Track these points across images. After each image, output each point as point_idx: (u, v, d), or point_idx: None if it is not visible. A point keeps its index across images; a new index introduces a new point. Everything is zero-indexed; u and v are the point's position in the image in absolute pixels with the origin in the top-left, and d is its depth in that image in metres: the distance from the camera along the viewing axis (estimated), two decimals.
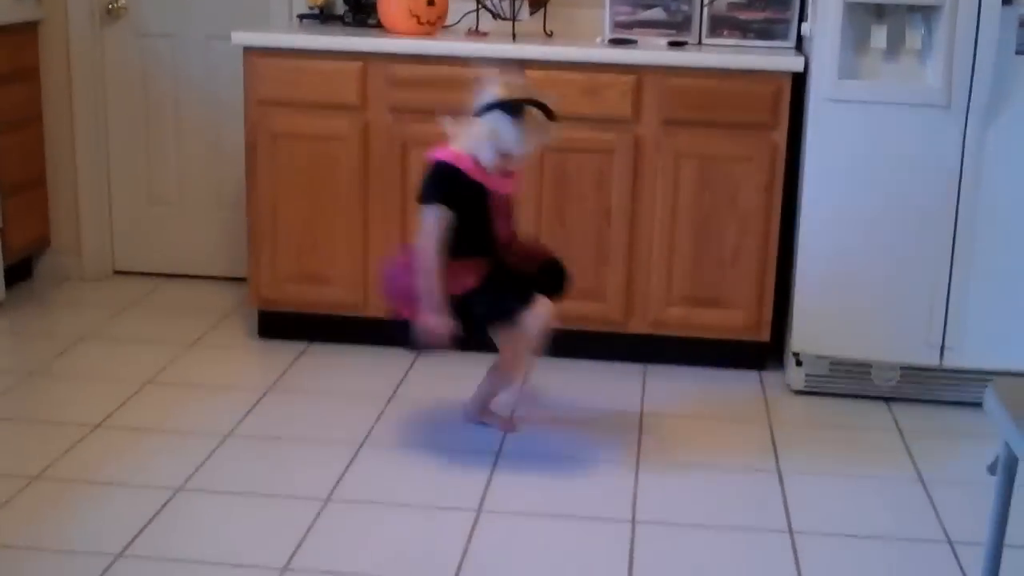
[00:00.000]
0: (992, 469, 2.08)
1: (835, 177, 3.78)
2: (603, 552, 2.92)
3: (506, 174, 3.33)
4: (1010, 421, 1.93)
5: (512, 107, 3.22)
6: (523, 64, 3.95)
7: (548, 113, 3.27)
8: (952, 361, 3.82)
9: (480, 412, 3.64)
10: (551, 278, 3.45)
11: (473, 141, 3.26)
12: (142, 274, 5.03)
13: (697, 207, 3.99)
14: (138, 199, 5.03)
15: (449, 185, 3.26)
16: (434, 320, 3.26)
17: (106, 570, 2.74)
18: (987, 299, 3.76)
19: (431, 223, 3.26)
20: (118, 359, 4.11)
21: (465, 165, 3.26)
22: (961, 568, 2.88)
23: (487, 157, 3.25)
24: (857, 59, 3.73)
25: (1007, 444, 1.98)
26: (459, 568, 2.82)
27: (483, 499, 3.16)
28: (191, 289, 4.91)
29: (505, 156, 3.25)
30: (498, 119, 3.22)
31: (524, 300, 3.30)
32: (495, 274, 3.33)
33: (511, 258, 3.38)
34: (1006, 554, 2.23)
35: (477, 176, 3.26)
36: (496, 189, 3.31)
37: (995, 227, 3.71)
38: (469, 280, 3.29)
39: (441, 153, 3.31)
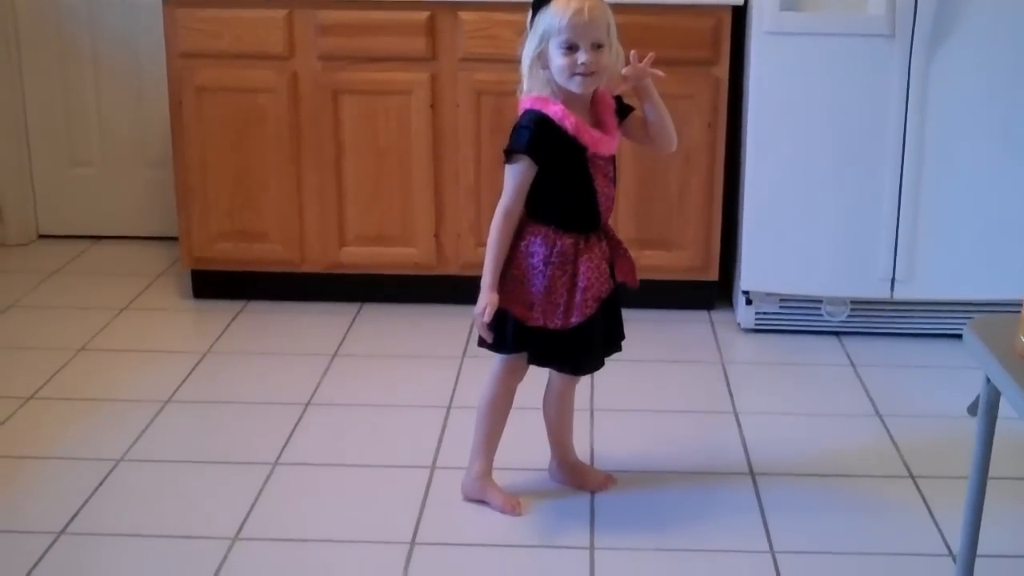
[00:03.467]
0: (972, 410, 2.03)
1: (779, 112, 3.71)
2: (562, 498, 2.87)
3: (601, 124, 2.65)
4: (992, 357, 1.88)
5: None
6: (456, 6, 3.84)
7: None
8: (902, 293, 3.79)
9: (565, 468, 2.95)
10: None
11: (537, 78, 2.61)
12: (68, 237, 4.87)
13: (639, 148, 3.90)
14: (59, 160, 4.86)
15: (538, 137, 2.57)
16: (484, 300, 2.65)
17: (48, 549, 2.64)
18: (936, 230, 3.73)
19: (509, 181, 2.63)
20: (48, 327, 3.97)
21: (554, 112, 2.57)
22: (926, 503, 2.86)
23: (556, 87, 2.58)
24: None
25: (989, 380, 1.93)
26: (416, 529, 2.74)
27: (435, 456, 3.08)
28: (120, 251, 4.76)
29: (578, 71, 2.53)
30: (537, 24, 2.57)
31: (599, 358, 2.81)
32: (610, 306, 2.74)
33: (614, 244, 2.77)
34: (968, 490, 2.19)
35: (570, 127, 2.56)
36: (593, 142, 2.60)
37: (942, 157, 3.68)
38: (599, 286, 2.67)
39: (529, 101, 2.63)
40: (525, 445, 3.01)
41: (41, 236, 4.92)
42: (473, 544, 2.70)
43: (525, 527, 2.76)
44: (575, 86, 2.56)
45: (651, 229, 3.98)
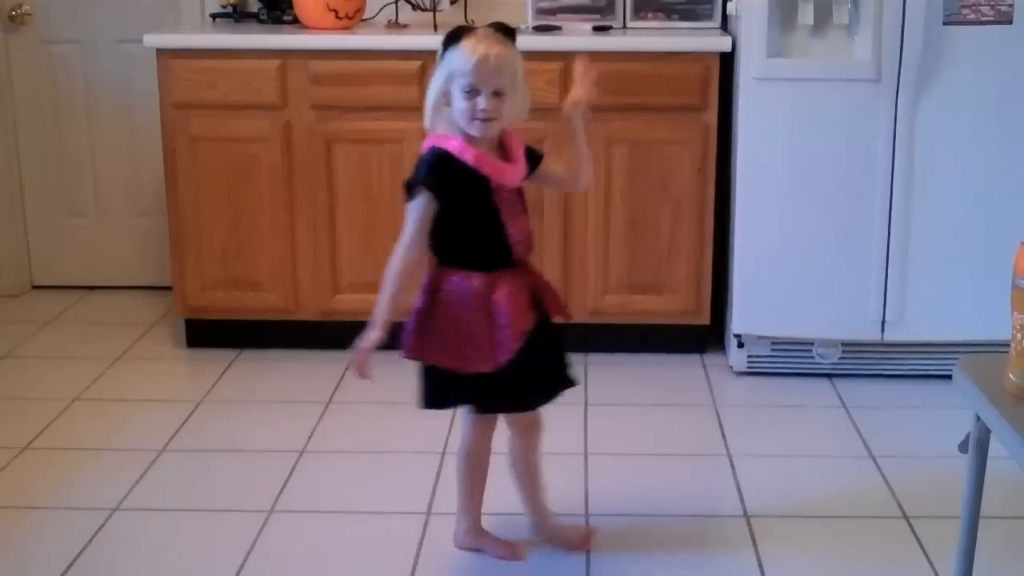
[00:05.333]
0: (963, 447, 2.05)
1: (768, 156, 3.75)
2: (560, 550, 2.86)
3: (508, 157, 2.60)
4: (981, 395, 1.89)
5: (450, 35, 2.53)
6: None
7: (510, 33, 2.57)
8: (893, 335, 3.81)
9: (543, 531, 2.89)
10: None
11: (440, 115, 2.57)
12: (62, 288, 4.88)
13: (631, 192, 3.95)
14: (54, 211, 4.88)
15: (437, 170, 2.54)
16: (369, 338, 2.58)
17: None
18: (925, 272, 3.75)
19: (409, 217, 2.56)
20: (42, 377, 3.97)
21: (456, 148, 2.53)
22: (919, 543, 2.86)
23: (458, 127, 2.54)
24: (785, 37, 3.70)
25: (979, 418, 1.94)
26: (412, 574, 2.74)
27: (431, 502, 3.09)
28: (114, 301, 4.77)
29: (477, 116, 2.49)
30: (444, 62, 2.52)
31: (542, 394, 2.74)
32: (542, 335, 2.66)
33: (534, 279, 2.69)
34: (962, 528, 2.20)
35: (471, 159, 2.52)
36: (497, 176, 2.55)
37: (929, 200, 3.71)
38: (522, 320, 2.60)
39: (432, 139, 2.59)
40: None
41: (35, 287, 4.93)
42: None
43: (521, 572, 2.76)
44: (473, 130, 2.52)
45: (643, 273, 4.00)
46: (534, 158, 2.68)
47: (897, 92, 3.63)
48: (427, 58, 3.89)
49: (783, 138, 3.72)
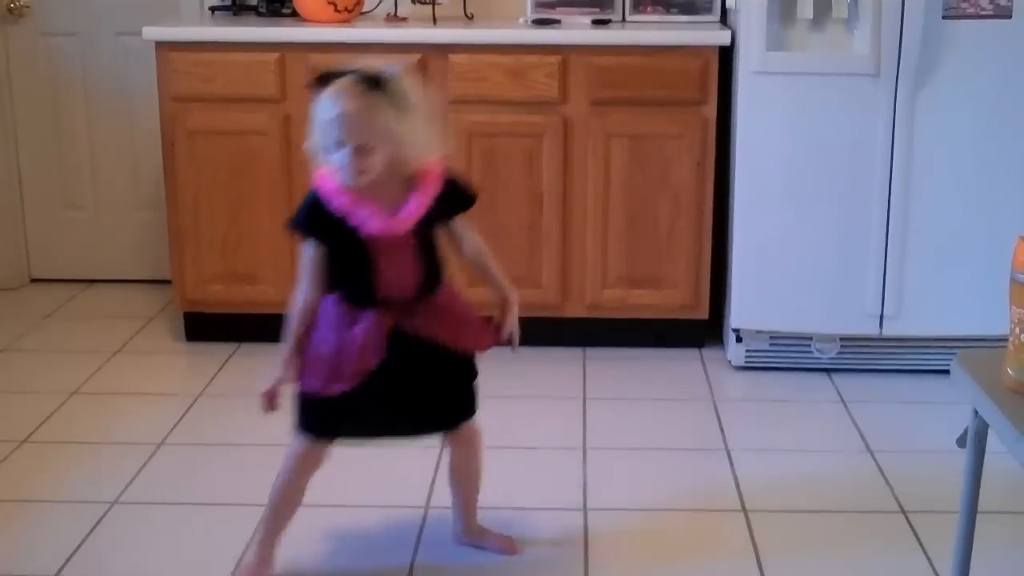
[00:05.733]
0: (961, 442, 2.05)
1: (767, 150, 3.75)
2: (557, 540, 2.87)
3: (402, 202, 2.50)
4: (979, 390, 1.90)
5: (316, 80, 2.46)
6: (446, 49, 3.88)
7: (375, 82, 2.43)
8: (891, 330, 3.82)
9: (469, 532, 2.86)
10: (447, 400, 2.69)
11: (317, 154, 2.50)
12: (61, 281, 4.88)
13: (630, 186, 3.95)
14: (52, 204, 4.88)
15: (309, 215, 2.52)
16: (272, 377, 2.58)
17: None
18: (924, 267, 3.75)
19: (303, 257, 2.56)
20: (41, 371, 3.97)
21: (329, 191, 2.48)
22: (917, 538, 2.87)
23: (332, 170, 2.46)
24: (784, 30, 3.69)
25: (977, 413, 1.95)
26: (411, 566, 2.75)
27: (429, 496, 3.09)
28: (113, 294, 4.77)
29: (346, 170, 2.42)
30: (315, 110, 2.46)
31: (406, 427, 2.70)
32: (381, 379, 2.54)
33: (421, 327, 2.57)
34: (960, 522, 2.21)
35: (342, 206, 2.47)
36: (364, 224, 2.47)
37: (928, 194, 3.71)
38: (367, 359, 2.53)
39: (318, 175, 2.54)
40: (523, 483, 3.01)
41: (34, 280, 4.93)
42: None
43: (518, 563, 2.76)
44: (346, 180, 2.44)
45: (641, 268, 4.00)
46: (455, 200, 2.58)
47: (896, 86, 3.63)
48: (427, 51, 3.89)
49: (782, 132, 3.72)
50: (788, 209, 3.77)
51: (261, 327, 4.12)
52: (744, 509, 3.02)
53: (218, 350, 4.10)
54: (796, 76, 3.68)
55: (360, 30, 3.99)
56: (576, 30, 3.95)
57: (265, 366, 3.90)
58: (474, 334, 2.66)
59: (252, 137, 3.98)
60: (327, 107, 2.41)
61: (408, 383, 2.58)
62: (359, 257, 2.50)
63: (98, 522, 2.94)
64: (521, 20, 4.14)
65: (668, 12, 4.15)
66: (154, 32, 3.96)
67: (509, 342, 2.69)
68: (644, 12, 4.17)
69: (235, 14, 4.36)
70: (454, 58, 3.89)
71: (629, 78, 3.88)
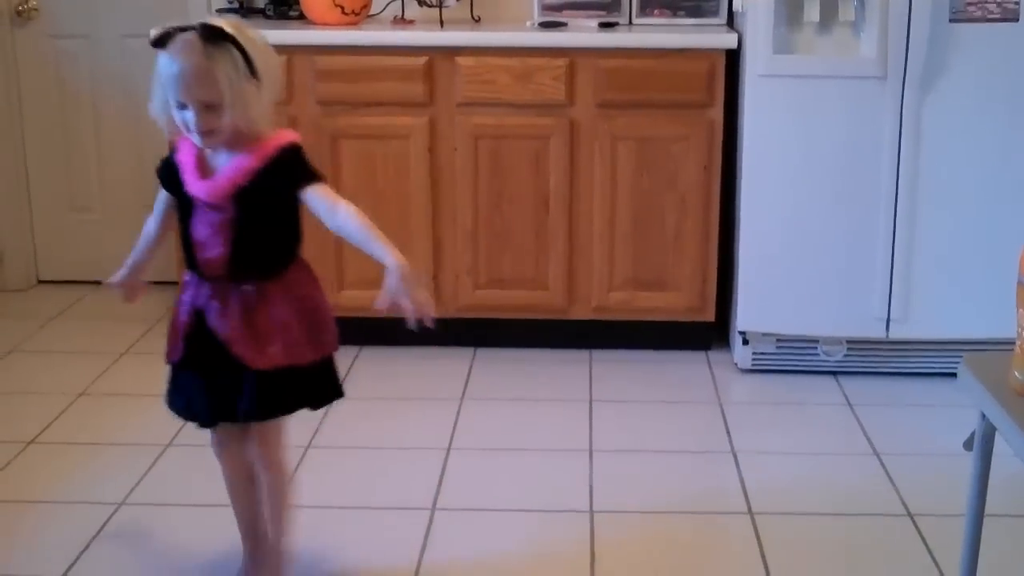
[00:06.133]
0: (968, 445, 2.05)
1: (773, 153, 3.75)
2: (563, 542, 2.87)
3: (207, 169, 2.42)
4: (986, 393, 1.90)
5: (156, 39, 2.32)
6: (454, 52, 3.88)
7: (216, 38, 2.29)
8: (898, 333, 3.81)
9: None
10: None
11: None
12: (68, 282, 4.88)
13: (636, 189, 3.95)
14: (59, 206, 4.89)
15: (165, 158, 2.49)
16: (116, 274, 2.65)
17: None
18: (930, 270, 3.75)
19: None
20: (48, 371, 3.98)
21: (182, 144, 2.43)
22: (924, 541, 2.87)
23: (173, 126, 2.36)
24: (791, 34, 3.70)
25: (984, 416, 1.95)
26: (417, 570, 2.75)
27: (435, 498, 3.09)
28: (117, 296, 4.76)
29: (192, 130, 2.33)
30: (156, 67, 2.34)
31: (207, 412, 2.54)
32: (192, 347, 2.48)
33: (218, 325, 2.45)
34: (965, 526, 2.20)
35: (181, 158, 2.43)
36: (187, 183, 2.42)
37: (935, 197, 3.71)
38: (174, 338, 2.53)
39: None
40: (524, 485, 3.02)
41: (41, 281, 4.94)
42: None
43: (525, 565, 2.77)
44: (196, 142, 2.36)
45: (647, 270, 4.00)
46: (289, 173, 2.41)
47: (903, 89, 3.63)
48: (433, 54, 3.90)
49: (789, 135, 3.72)
50: (795, 212, 3.77)
51: None
52: (750, 512, 3.02)
53: None
54: (803, 79, 3.68)
55: (367, 33, 3.99)
56: (583, 33, 3.96)
57: None
58: (265, 349, 2.44)
59: None
60: (167, 65, 2.30)
61: (210, 365, 2.47)
62: (186, 217, 2.44)
63: (105, 523, 2.95)
64: (528, 23, 4.14)
65: (675, 15, 4.16)
66: None
67: (418, 318, 2.43)
68: (651, 15, 4.18)
69: (242, 16, 4.37)
70: (461, 61, 3.89)
71: (636, 81, 3.88)
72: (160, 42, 2.32)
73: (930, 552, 2.81)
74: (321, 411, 3.58)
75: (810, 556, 2.82)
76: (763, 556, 2.80)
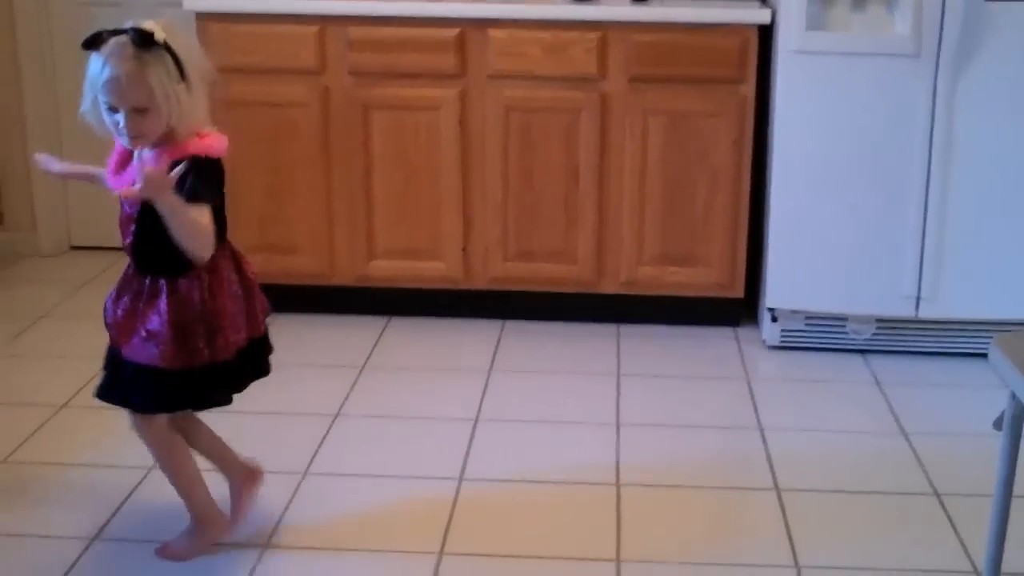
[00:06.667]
0: (998, 424, 2.05)
1: (805, 130, 3.74)
2: (589, 515, 2.89)
3: (125, 164, 2.52)
4: (1017, 373, 1.90)
5: (87, 41, 2.41)
6: (486, 24, 3.88)
7: (146, 42, 2.36)
8: (927, 312, 3.81)
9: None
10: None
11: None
12: (100, 249, 4.92)
13: (666, 164, 3.94)
14: None
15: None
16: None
17: (82, 553, 2.68)
18: (961, 249, 3.74)
19: None
20: (80, 336, 4.01)
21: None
22: (950, 520, 2.87)
23: (103, 127, 2.47)
24: (824, 10, 3.68)
25: (1014, 396, 1.95)
26: (443, 540, 2.77)
27: (463, 467, 3.11)
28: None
29: (120, 133, 2.43)
30: (87, 73, 2.43)
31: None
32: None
33: (115, 311, 2.60)
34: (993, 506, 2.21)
35: (114, 153, 2.59)
36: (108, 173, 2.58)
37: (967, 176, 3.69)
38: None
39: None
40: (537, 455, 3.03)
41: (73, 247, 4.98)
42: (501, 555, 2.73)
43: (551, 540, 2.79)
44: (124, 144, 2.46)
45: (677, 246, 4.00)
46: (182, 186, 2.39)
47: (937, 67, 3.61)
48: (465, 26, 3.90)
49: (820, 112, 3.71)
50: (825, 189, 3.76)
51: (299, 298, 4.17)
52: (777, 488, 3.03)
53: None
54: (836, 56, 3.66)
55: (400, 4, 3.98)
56: (616, 7, 3.94)
57: (302, 337, 3.98)
58: (130, 340, 2.55)
59: (291, 109, 4.00)
60: (98, 69, 2.38)
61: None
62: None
63: (136, 487, 2.99)
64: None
65: None
66: (195, 3, 3.97)
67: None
68: None
69: None
70: (493, 33, 3.89)
71: (668, 55, 3.87)
72: (92, 44, 2.39)
73: (956, 531, 2.82)
74: (349, 381, 3.63)
75: (836, 533, 2.83)
76: (789, 532, 2.81)
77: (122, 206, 2.54)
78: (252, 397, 3.51)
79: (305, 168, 4.03)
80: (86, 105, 2.46)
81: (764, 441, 3.29)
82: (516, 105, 3.93)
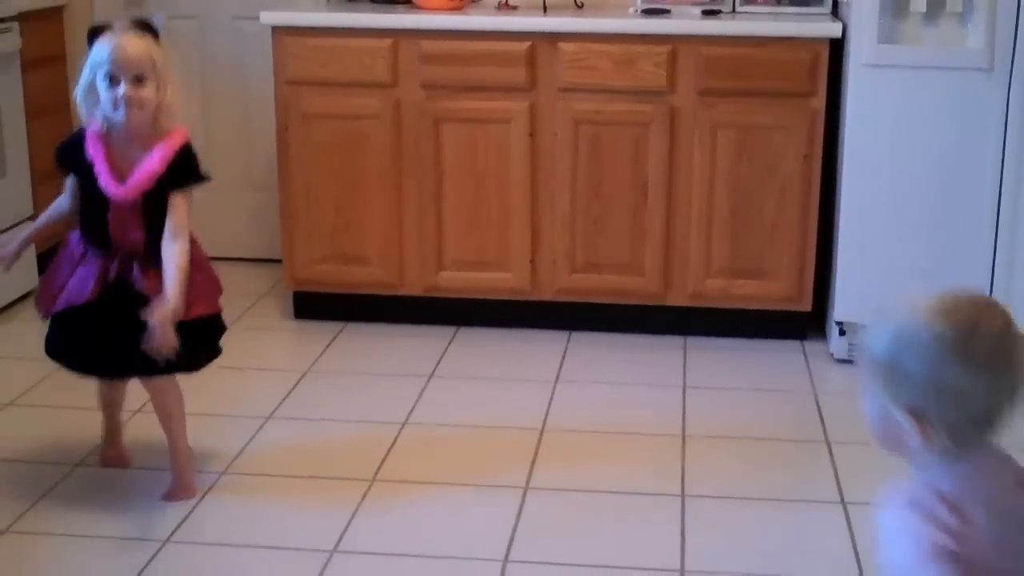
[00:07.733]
0: None
1: (876, 144, 3.72)
2: (654, 527, 2.90)
3: (131, 164, 2.78)
4: None
5: (91, 31, 2.78)
6: (556, 37, 3.91)
7: (146, 28, 2.78)
8: None
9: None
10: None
11: (90, 107, 2.79)
12: None
13: (735, 177, 3.95)
14: None
15: (64, 146, 2.88)
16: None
17: (150, 561, 2.73)
18: None
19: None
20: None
21: (89, 134, 2.80)
22: None
23: (107, 120, 2.78)
24: (896, 23, 3.67)
25: None
26: (508, 548, 2.79)
27: (529, 476, 3.13)
28: (224, 272, 4.71)
29: (120, 103, 2.72)
30: (89, 56, 2.76)
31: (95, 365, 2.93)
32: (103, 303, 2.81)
33: (144, 281, 2.82)
34: None
35: (92, 156, 2.77)
36: (101, 178, 2.76)
37: None
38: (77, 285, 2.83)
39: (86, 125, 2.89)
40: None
41: None
42: (566, 564, 2.74)
43: (616, 549, 2.80)
44: (119, 116, 2.72)
45: (745, 258, 4.00)
46: (180, 172, 2.82)
47: (1010, 82, 3.58)
48: (536, 39, 3.93)
49: (892, 126, 3.69)
50: (895, 203, 3.74)
51: (368, 307, 4.23)
52: (843, 502, 3.02)
53: (325, 329, 4.19)
54: (908, 70, 3.65)
55: (472, 17, 4.03)
56: (686, 20, 3.96)
57: (371, 346, 4.03)
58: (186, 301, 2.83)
59: (364, 121, 4.06)
60: (106, 44, 2.71)
61: (114, 326, 2.79)
62: (97, 206, 2.78)
63: (207, 492, 3.04)
64: (631, 9, 4.15)
65: (779, 3, 4.13)
66: (271, 17, 4.05)
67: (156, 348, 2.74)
68: (754, 3, 4.16)
69: (350, 0, 4.44)
70: (563, 46, 3.92)
71: (738, 69, 3.88)
72: (96, 33, 2.74)
73: None
74: (417, 390, 3.66)
75: None
76: (855, 548, 2.80)
77: (120, 217, 2.78)
78: (322, 405, 3.58)
79: (376, 180, 4.09)
80: (81, 87, 2.75)
81: (831, 455, 3.28)
82: (585, 118, 3.96)
